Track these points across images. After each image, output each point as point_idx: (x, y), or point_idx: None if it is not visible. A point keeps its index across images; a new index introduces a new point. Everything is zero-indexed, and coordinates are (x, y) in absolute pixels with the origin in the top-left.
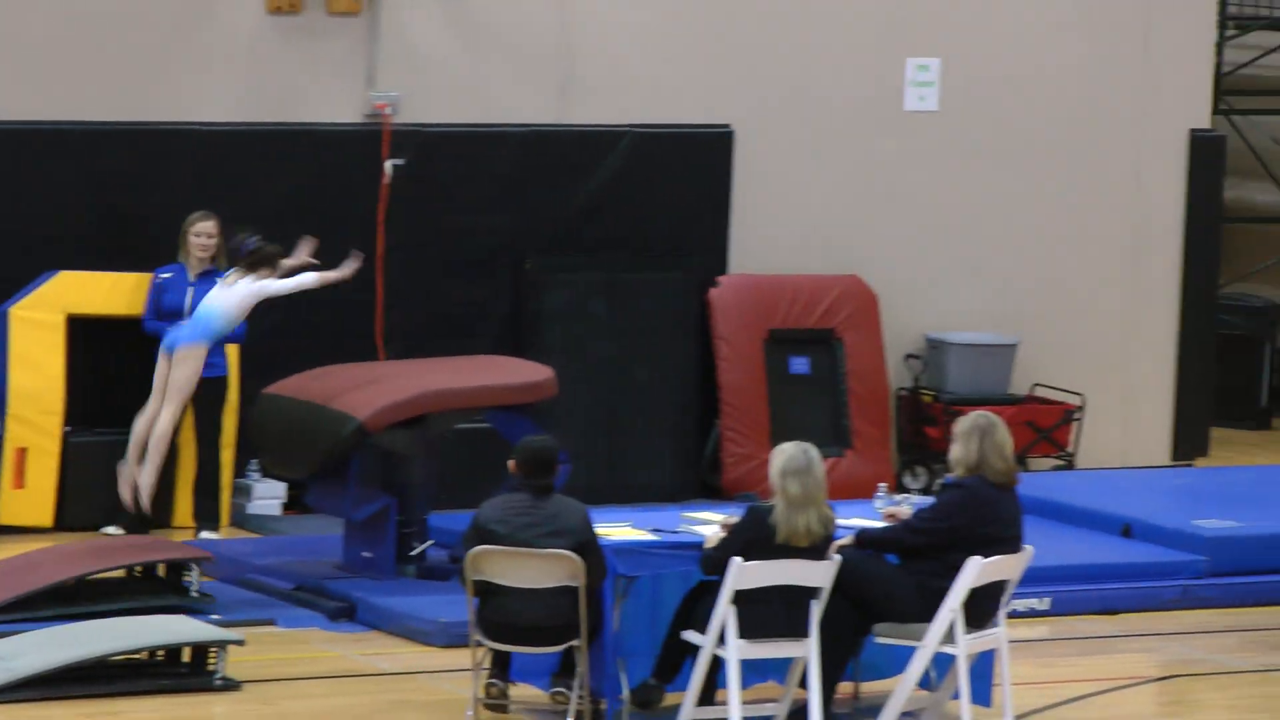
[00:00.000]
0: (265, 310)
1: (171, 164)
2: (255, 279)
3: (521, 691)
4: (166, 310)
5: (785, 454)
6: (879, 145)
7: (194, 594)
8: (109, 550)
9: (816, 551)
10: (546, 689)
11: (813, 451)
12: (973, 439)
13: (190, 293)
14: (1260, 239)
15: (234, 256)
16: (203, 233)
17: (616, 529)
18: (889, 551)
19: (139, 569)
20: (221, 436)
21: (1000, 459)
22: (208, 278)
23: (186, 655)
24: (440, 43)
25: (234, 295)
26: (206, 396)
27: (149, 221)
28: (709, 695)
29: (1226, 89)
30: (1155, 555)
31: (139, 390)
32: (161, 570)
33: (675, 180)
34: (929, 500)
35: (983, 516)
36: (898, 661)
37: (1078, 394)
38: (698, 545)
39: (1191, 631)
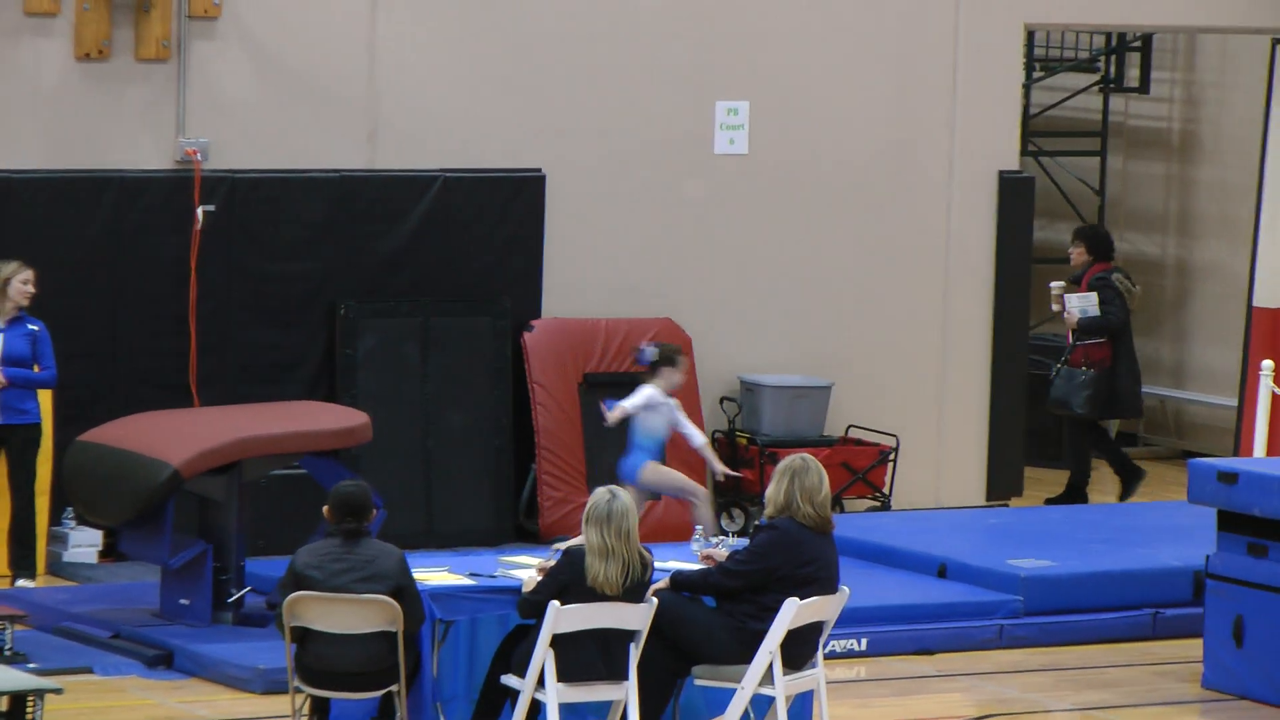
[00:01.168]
0: (75, 357)
1: None
2: (658, 384)
3: None
4: None
5: (591, 500)
6: (690, 188)
7: (7, 651)
8: None
9: (633, 594)
10: None
11: (621, 498)
12: (784, 479)
13: (3, 340)
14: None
15: (638, 365)
16: (29, 280)
17: (434, 573)
18: (705, 593)
19: None
20: (36, 483)
21: (808, 504)
22: (17, 324)
23: (4, 705)
24: (249, 89)
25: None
26: (20, 442)
27: None
28: None
29: (1034, 130)
30: (971, 595)
31: None
32: None
33: (487, 224)
34: (744, 542)
35: (797, 557)
36: (717, 704)
37: (892, 435)
38: (515, 590)
39: (1007, 671)
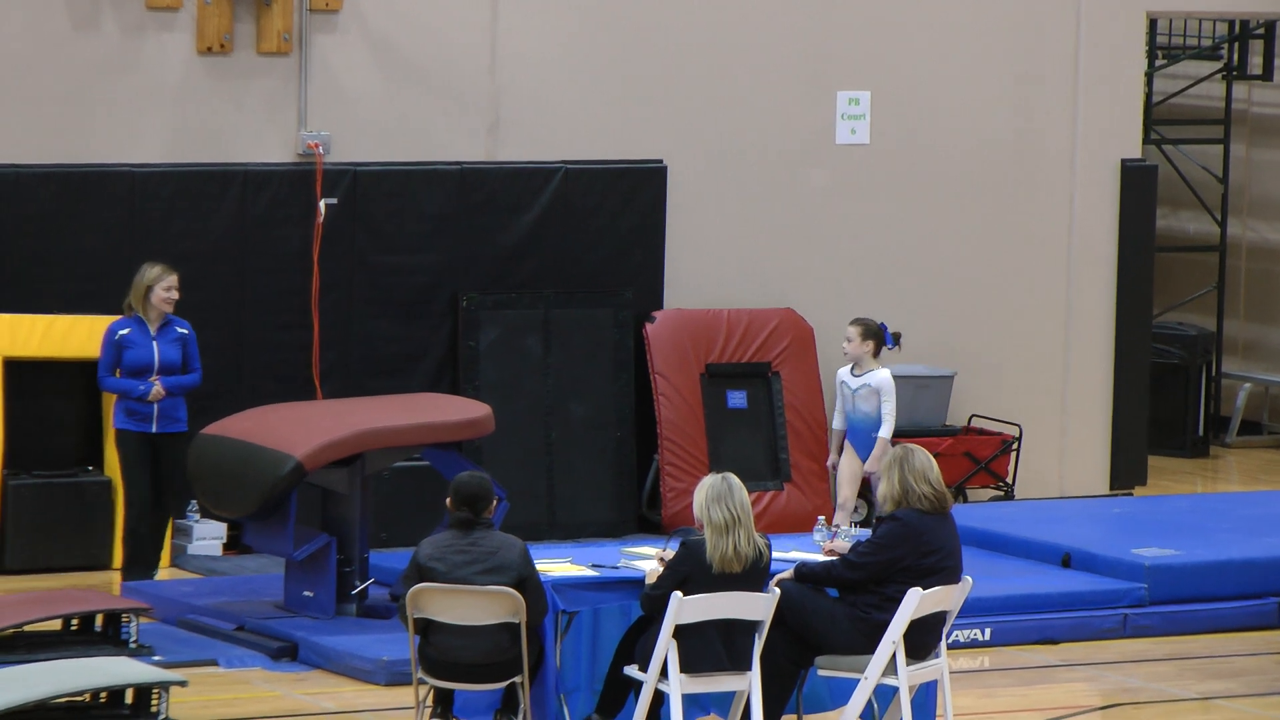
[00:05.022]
0: (199, 351)
1: (103, 205)
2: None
3: None
4: (133, 367)
5: (705, 485)
6: (811, 178)
7: (132, 644)
8: (46, 601)
9: (754, 580)
10: None
11: (732, 479)
12: (893, 471)
13: (156, 347)
14: (1192, 268)
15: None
16: (172, 286)
17: (556, 565)
18: (828, 586)
19: (76, 621)
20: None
21: (924, 483)
22: (166, 330)
23: (130, 697)
24: (370, 82)
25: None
26: (172, 451)
27: (82, 264)
28: None
29: (1157, 119)
30: (1095, 585)
31: (76, 433)
32: (99, 621)
33: (608, 215)
34: (867, 533)
35: (920, 548)
36: (840, 694)
37: (1015, 424)
38: (638, 581)
39: (1131, 660)
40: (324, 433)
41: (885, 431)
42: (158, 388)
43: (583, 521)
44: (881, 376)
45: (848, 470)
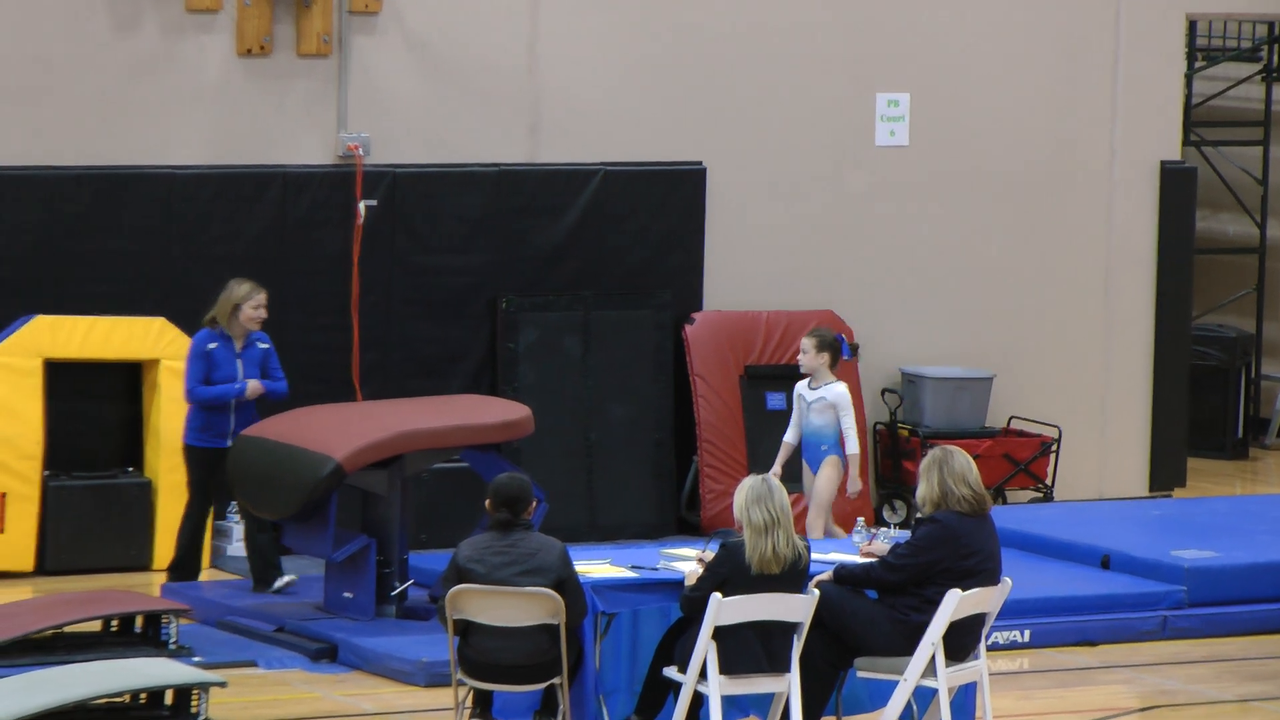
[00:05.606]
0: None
1: (142, 207)
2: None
3: None
4: (216, 383)
5: (745, 486)
6: (850, 180)
7: (172, 645)
8: (86, 602)
9: (793, 582)
10: None
11: (772, 480)
12: (932, 473)
13: (240, 364)
14: (1232, 270)
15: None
16: (261, 305)
17: (595, 566)
18: (867, 588)
19: (116, 622)
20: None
21: (963, 485)
22: (250, 347)
23: (169, 698)
24: (410, 84)
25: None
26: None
27: (121, 265)
28: None
29: (1196, 120)
30: (1134, 586)
31: (116, 434)
32: (139, 622)
33: (647, 217)
34: (906, 535)
35: (959, 550)
36: (879, 695)
37: (1054, 426)
38: (677, 582)
39: (1171, 662)
40: (363, 434)
41: (852, 448)
42: (254, 383)
43: (622, 523)
44: (838, 390)
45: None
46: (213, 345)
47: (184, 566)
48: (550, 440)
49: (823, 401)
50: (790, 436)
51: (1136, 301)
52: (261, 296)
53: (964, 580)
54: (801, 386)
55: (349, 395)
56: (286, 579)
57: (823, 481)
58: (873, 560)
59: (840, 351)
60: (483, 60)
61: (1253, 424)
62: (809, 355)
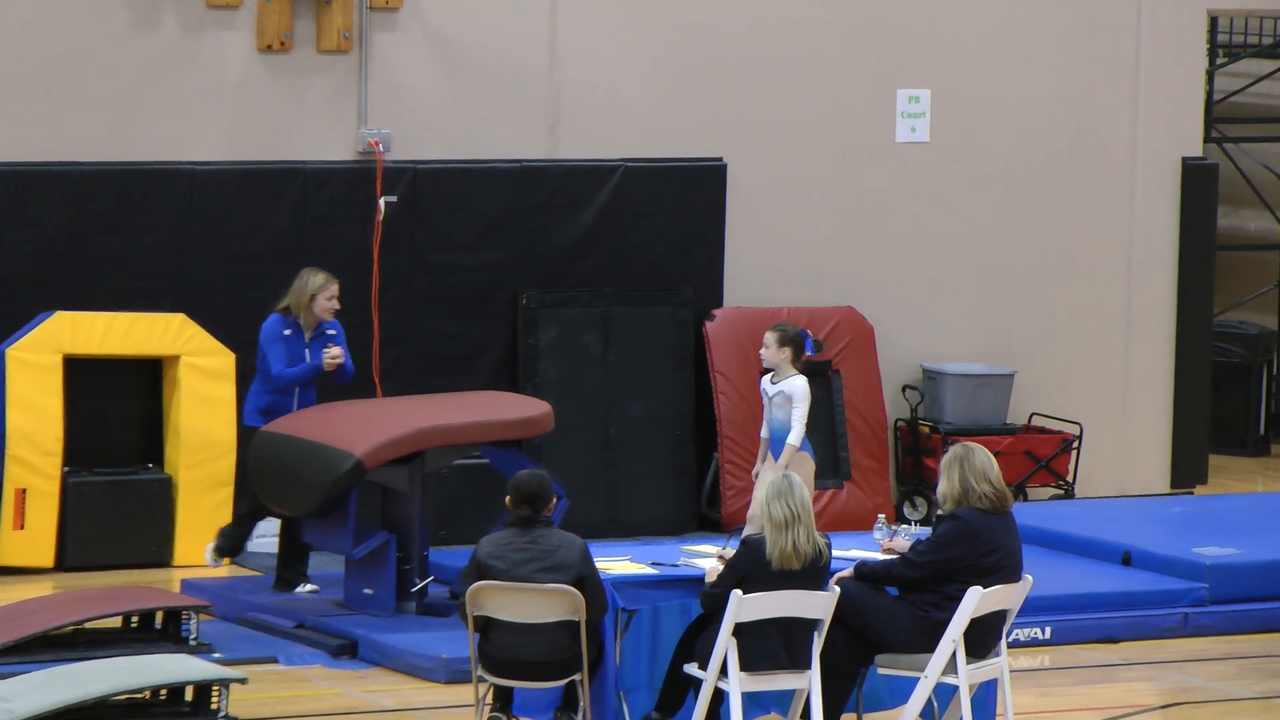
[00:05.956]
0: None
1: (163, 203)
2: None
3: None
4: (303, 375)
5: (766, 482)
6: (871, 176)
7: (192, 642)
8: (106, 598)
9: (814, 579)
10: None
11: (793, 476)
12: (953, 470)
13: (308, 354)
14: (1253, 266)
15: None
16: (334, 295)
17: (616, 563)
18: (888, 585)
19: (136, 618)
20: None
21: (984, 482)
22: (319, 338)
23: (189, 695)
24: (430, 79)
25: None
26: None
27: (141, 261)
28: None
29: (1217, 116)
30: (1155, 584)
31: (136, 430)
32: (159, 619)
33: (668, 214)
34: (927, 531)
35: (979, 547)
36: (900, 692)
37: (1075, 423)
38: (698, 579)
39: (1191, 659)
40: (384, 431)
41: (793, 438)
42: (333, 350)
43: (642, 519)
44: (795, 384)
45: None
46: (287, 332)
47: (231, 535)
48: (571, 437)
49: (781, 395)
50: (764, 431)
51: (1158, 298)
52: (335, 287)
53: (985, 577)
54: (765, 381)
55: (369, 392)
56: (310, 588)
57: (777, 469)
58: (893, 557)
59: (803, 347)
60: (503, 56)
61: (1274, 421)
62: (770, 350)
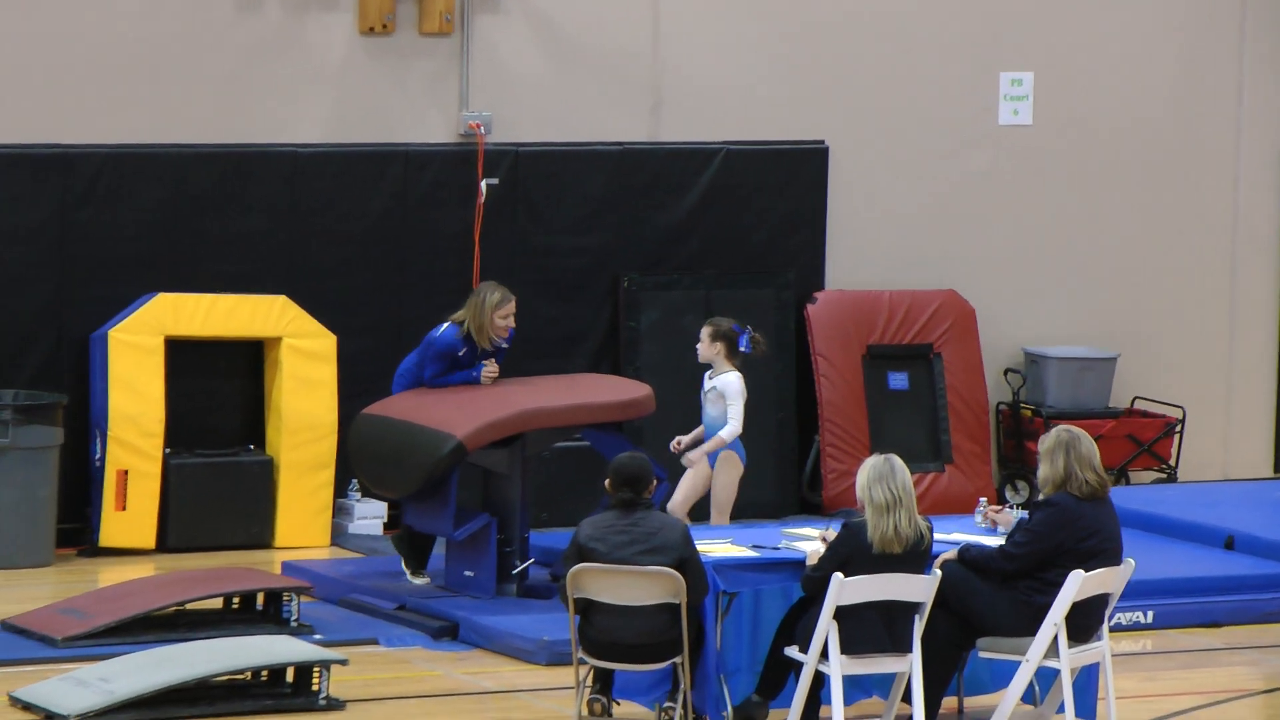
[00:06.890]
0: (359, 331)
1: (265, 185)
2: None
3: (625, 709)
4: (455, 384)
5: (868, 465)
6: (974, 159)
7: (293, 623)
8: (208, 579)
9: (915, 562)
10: (650, 706)
11: (895, 460)
12: (1058, 456)
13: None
14: None
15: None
16: (510, 314)
17: (717, 545)
18: (988, 577)
19: (237, 599)
20: None
21: (1088, 470)
22: (484, 356)
23: (290, 676)
24: (531, 62)
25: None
26: None
27: (244, 244)
28: (813, 712)
29: None
30: (1258, 568)
31: (238, 412)
32: (260, 600)
33: (770, 196)
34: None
35: (1078, 532)
36: (1002, 676)
37: (1179, 407)
38: (799, 562)
39: None
40: (485, 413)
41: (726, 432)
42: (492, 367)
43: (744, 502)
44: (728, 379)
45: (688, 480)
46: (462, 351)
47: (410, 542)
48: (671, 419)
49: (714, 391)
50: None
51: (1261, 283)
52: (511, 305)
53: (1086, 561)
54: (706, 376)
55: None
56: (423, 580)
57: (720, 485)
58: (991, 550)
59: (736, 343)
60: (605, 39)
61: None
62: (703, 345)
